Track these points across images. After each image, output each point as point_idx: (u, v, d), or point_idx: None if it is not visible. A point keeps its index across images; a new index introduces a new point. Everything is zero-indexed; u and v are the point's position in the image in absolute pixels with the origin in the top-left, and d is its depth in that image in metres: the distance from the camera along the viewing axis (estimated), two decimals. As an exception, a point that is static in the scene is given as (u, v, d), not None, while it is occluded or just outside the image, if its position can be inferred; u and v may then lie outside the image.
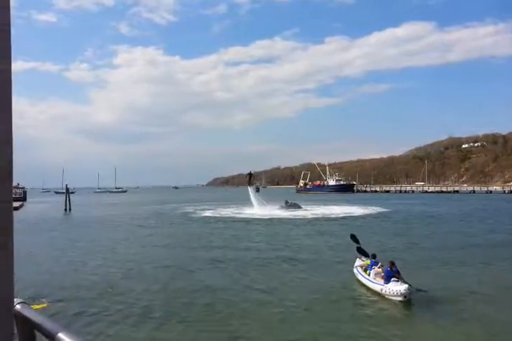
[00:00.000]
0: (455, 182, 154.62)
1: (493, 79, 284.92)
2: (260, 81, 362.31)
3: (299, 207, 47.31)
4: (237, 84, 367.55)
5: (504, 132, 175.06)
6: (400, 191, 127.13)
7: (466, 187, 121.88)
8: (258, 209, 45.02)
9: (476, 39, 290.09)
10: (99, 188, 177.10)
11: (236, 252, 19.82)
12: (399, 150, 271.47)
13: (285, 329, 9.57)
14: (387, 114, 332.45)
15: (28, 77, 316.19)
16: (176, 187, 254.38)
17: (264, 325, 9.89)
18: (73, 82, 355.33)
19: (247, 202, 49.66)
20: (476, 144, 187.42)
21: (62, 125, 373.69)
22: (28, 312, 1.35)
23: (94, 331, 9.35)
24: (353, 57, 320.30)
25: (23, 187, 76.93)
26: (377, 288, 12.09)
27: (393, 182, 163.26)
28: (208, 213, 44.72)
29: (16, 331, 1.26)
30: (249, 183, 49.57)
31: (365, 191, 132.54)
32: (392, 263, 12.14)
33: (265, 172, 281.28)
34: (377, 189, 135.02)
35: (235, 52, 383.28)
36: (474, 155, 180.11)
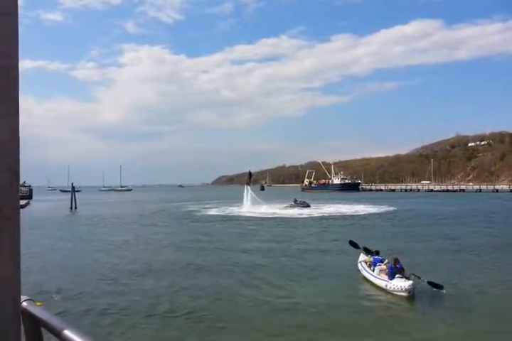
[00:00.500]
0: (461, 181, 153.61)
1: (501, 77, 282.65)
2: (266, 79, 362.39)
3: (308, 206, 47.39)
4: (243, 83, 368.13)
5: (511, 131, 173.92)
6: (406, 190, 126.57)
7: (472, 186, 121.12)
8: (248, 207, 45.47)
9: (485, 36, 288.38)
10: (104, 187, 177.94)
11: (242, 250, 19.75)
12: (405, 148, 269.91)
13: (292, 322, 9.77)
14: (393, 112, 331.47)
15: (35, 75, 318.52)
16: (181, 186, 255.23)
17: (271, 318, 10.11)
18: (80, 80, 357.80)
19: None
20: (482, 143, 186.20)
21: (68, 123, 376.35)
22: (34, 310, 1.36)
23: (101, 328, 9.33)
24: (359, 55, 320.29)
25: (29, 186, 77.40)
26: (382, 284, 12.39)
27: (399, 181, 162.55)
28: (212, 211, 44.74)
29: (22, 328, 1.27)
30: (248, 183, 49.85)
31: (371, 190, 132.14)
32: (396, 260, 12.49)
33: (270, 170, 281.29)
34: (383, 188, 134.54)
35: (240, 50, 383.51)
36: (481, 154, 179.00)
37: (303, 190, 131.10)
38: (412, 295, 11.51)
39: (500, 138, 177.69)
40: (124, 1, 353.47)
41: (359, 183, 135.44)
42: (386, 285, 12.08)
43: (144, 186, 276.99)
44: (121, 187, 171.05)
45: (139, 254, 18.98)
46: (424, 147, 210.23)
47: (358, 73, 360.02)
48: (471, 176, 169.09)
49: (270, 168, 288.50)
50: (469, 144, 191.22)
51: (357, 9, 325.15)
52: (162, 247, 21.22)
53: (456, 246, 20.47)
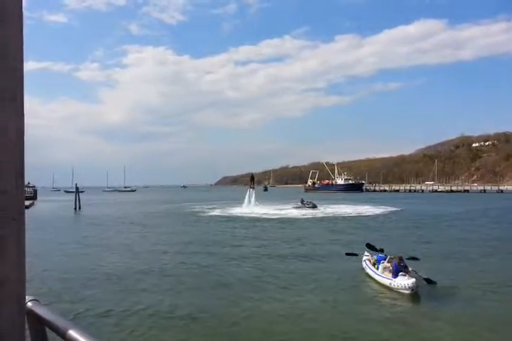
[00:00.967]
0: (465, 182, 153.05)
1: (505, 76, 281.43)
2: (270, 80, 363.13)
3: (315, 207, 47.32)
4: (247, 83, 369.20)
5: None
6: (410, 190, 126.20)
7: (476, 187, 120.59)
8: (245, 208, 45.76)
9: (488, 36, 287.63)
10: (108, 187, 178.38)
11: (247, 250, 19.74)
12: (409, 149, 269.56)
13: (298, 320, 9.94)
14: (397, 112, 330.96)
15: (39, 76, 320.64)
16: (185, 186, 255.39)
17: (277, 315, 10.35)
18: (84, 81, 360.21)
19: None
20: (487, 143, 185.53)
21: (72, 124, 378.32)
22: (39, 310, 1.36)
23: (106, 328, 9.35)
24: (363, 55, 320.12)
25: (33, 186, 77.79)
26: (385, 282, 12.64)
27: (403, 182, 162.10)
28: (216, 212, 44.77)
29: (27, 328, 1.27)
30: (252, 186, 49.93)
31: (374, 190, 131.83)
32: (401, 259, 12.76)
33: (273, 171, 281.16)
34: (387, 188, 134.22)
35: (244, 51, 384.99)
36: (485, 154, 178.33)
37: (306, 190, 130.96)
38: (415, 292, 11.76)
39: (505, 138, 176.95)
40: (127, 2, 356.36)
41: (363, 184, 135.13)
42: (390, 284, 12.35)
43: (147, 187, 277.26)
44: (125, 187, 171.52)
45: (143, 255, 18.98)
46: (428, 147, 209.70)
47: (362, 73, 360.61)
48: (476, 177, 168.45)
49: (273, 168, 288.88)
50: (474, 144, 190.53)
51: (360, 9, 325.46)
52: (164, 248, 21.22)
53: (465, 247, 20.42)
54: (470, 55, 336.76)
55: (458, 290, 12.36)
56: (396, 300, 11.56)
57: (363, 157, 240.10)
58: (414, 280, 11.87)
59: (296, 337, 9.09)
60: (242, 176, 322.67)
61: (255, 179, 55.26)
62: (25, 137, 1.16)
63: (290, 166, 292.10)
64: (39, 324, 1.35)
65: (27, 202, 48.53)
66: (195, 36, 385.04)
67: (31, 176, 74.58)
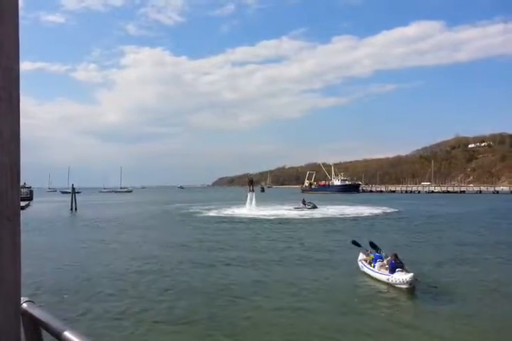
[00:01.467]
0: (461, 183, 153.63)
1: (501, 78, 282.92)
2: (267, 81, 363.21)
3: (315, 207, 47.46)
4: (244, 84, 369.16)
5: (511, 132, 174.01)
6: (406, 191, 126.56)
7: (472, 188, 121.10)
8: (246, 210, 45.92)
9: (485, 38, 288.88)
10: (104, 188, 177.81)
11: (244, 251, 19.71)
12: (405, 150, 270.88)
13: (300, 317, 10.19)
14: (393, 113, 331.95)
15: (36, 77, 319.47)
16: (182, 187, 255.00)
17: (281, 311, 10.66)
18: (81, 82, 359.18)
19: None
20: (482, 144, 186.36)
21: (69, 125, 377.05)
22: (34, 311, 1.36)
23: (100, 329, 9.32)
24: (360, 56, 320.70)
25: (29, 187, 77.43)
26: (383, 278, 13.15)
27: (399, 183, 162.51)
28: (212, 213, 44.73)
29: (22, 329, 1.27)
30: (251, 190, 49.93)
31: (371, 191, 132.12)
32: (396, 256, 13.21)
33: (270, 172, 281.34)
34: (383, 189, 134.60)
35: (242, 52, 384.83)
36: (481, 155, 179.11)
37: (303, 191, 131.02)
38: (412, 286, 12.28)
39: (501, 139, 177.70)
40: (125, 2, 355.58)
41: (359, 184, 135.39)
42: (388, 279, 12.82)
43: (144, 187, 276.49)
44: (122, 188, 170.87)
45: (139, 257, 18.92)
46: (425, 148, 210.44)
47: (359, 75, 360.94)
48: (472, 177, 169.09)
49: (270, 169, 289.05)
50: (469, 145, 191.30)
51: (358, 11, 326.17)
52: (161, 250, 21.18)
53: (462, 246, 20.65)
54: (466, 57, 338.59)
55: (455, 287, 12.65)
56: (394, 295, 12.10)
57: (359, 158, 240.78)
58: (411, 274, 12.34)
59: (299, 335, 9.15)
60: (239, 177, 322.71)
61: (252, 178, 55.23)
62: (20, 137, 1.16)
63: (287, 167, 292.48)
64: (34, 325, 1.34)
65: (23, 203, 48.33)
66: (193, 37, 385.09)
67: (27, 177, 74.30)
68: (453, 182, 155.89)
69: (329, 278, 14.08)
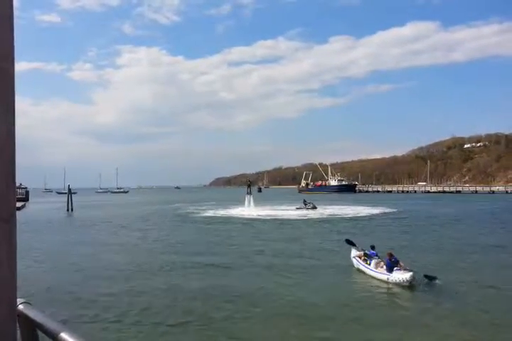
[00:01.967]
0: (457, 183, 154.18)
1: (497, 78, 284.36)
2: (264, 81, 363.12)
3: (315, 208, 47.62)
4: (241, 85, 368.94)
5: (507, 132, 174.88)
6: (402, 191, 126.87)
7: (468, 188, 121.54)
8: (244, 210, 46.08)
9: (480, 38, 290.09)
10: (100, 188, 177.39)
11: (242, 251, 19.66)
12: (401, 150, 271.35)
13: (306, 315, 10.33)
14: (390, 113, 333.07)
15: (31, 77, 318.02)
16: (178, 188, 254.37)
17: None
18: (77, 82, 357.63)
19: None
20: (478, 144, 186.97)
21: (64, 125, 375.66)
22: (31, 312, 1.36)
23: (97, 331, 9.27)
24: (356, 56, 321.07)
25: (25, 188, 77.02)
26: (383, 277, 13.26)
27: (395, 183, 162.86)
28: (210, 213, 44.69)
29: (19, 331, 1.27)
30: (248, 192, 50.25)
31: (367, 191, 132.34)
32: (391, 254, 13.41)
33: (267, 172, 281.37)
34: (379, 189, 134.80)
35: (238, 52, 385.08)
36: (477, 156, 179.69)
37: (300, 191, 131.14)
38: (412, 285, 12.52)
39: (496, 139, 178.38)
40: (121, 2, 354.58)
41: (356, 185, 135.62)
42: (388, 279, 12.95)
43: (140, 188, 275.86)
44: (118, 189, 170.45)
45: (134, 256, 18.87)
46: (421, 148, 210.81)
47: (355, 75, 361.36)
48: (467, 177, 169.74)
49: (267, 169, 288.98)
50: (465, 146, 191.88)
51: (354, 11, 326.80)
52: (157, 249, 21.13)
53: (461, 245, 20.83)
54: (462, 57, 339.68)
55: (454, 285, 12.87)
56: (395, 293, 12.43)
57: (356, 158, 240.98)
58: (411, 273, 12.51)
59: (306, 331, 9.24)
60: (236, 177, 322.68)
61: (250, 181, 55.81)
62: (16, 138, 1.15)
63: (284, 167, 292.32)
64: (30, 326, 1.34)
65: (18, 204, 48.02)
66: (190, 37, 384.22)
67: (23, 177, 73.98)
68: (449, 182, 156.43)
69: (328, 277, 14.22)
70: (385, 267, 13.46)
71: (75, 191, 61.11)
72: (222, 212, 45.09)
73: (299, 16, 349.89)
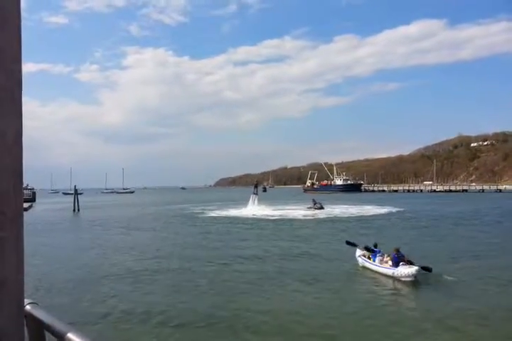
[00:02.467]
0: (464, 181, 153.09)
1: (504, 76, 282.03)
2: (269, 81, 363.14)
3: (322, 208, 47.44)
4: (246, 84, 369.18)
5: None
6: (408, 190, 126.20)
7: (475, 186, 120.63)
8: (249, 210, 46.24)
9: (488, 36, 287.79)
10: (106, 189, 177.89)
11: (250, 250, 19.60)
12: (407, 149, 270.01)
13: (319, 311, 10.60)
14: (395, 112, 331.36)
15: (38, 78, 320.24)
16: (184, 188, 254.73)
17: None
18: (83, 83, 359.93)
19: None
20: (485, 143, 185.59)
21: (71, 126, 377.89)
22: (38, 313, 1.37)
23: (106, 330, 9.22)
24: (362, 55, 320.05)
25: (32, 188, 77.57)
26: (388, 272, 13.71)
27: (401, 182, 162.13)
28: (216, 213, 44.68)
29: (26, 331, 1.28)
30: (254, 192, 50.96)
31: (373, 191, 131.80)
32: (397, 250, 13.93)
33: (272, 171, 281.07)
34: (385, 188, 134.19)
35: (244, 51, 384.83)
36: (484, 154, 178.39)
37: (305, 191, 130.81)
38: (417, 279, 12.97)
39: (504, 138, 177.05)
40: (127, 3, 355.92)
41: (361, 184, 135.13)
42: (393, 273, 13.38)
43: (145, 188, 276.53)
44: (124, 189, 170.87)
45: (143, 257, 18.80)
46: (427, 147, 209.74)
47: (361, 74, 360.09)
48: (474, 176, 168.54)
49: (272, 169, 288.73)
50: (472, 144, 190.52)
51: (360, 10, 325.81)
52: (167, 250, 21.07)
53: (470, 244, 20.80)
54: (469, 55, 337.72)
55: (461, 281, 13.19)
56: (400, 287, 12.85)
57: (361, 157, 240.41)
58: (416, 268, 12.97)
59: (315, 326, 9.33)
60: (241, 177, 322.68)
61: (257, 181, 56.53)
62: (23, 139, 1.16)
63: (289, 167, 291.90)
64: (38, 327, 1.34)
65: (25, 205, 48.15)
66: (195, 37, 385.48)
67: (30, 178, 74.42)
68: (455, 181, 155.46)
69: (338, 275, 14.52)
70: (390, 262, 13.93)
71: (81, 191, 61.56)
72: (229, 212, 45.01)
73: (304, 15, 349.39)
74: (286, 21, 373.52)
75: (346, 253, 17.52)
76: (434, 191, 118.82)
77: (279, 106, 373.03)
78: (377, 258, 14.56)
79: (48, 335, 1.33)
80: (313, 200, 49.58)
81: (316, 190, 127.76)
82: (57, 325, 1.29)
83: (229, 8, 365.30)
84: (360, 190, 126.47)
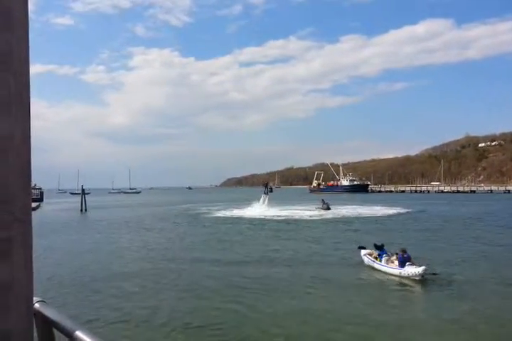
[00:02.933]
0: (472, 182, 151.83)
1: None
2: (275, 81, 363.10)
3: (329, 209, 47.22)
4: (252, 85, 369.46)
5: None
6: (415, 191, 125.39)
7: (483, 187, 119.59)
8: (258, 210, 46.34)
9: (495, 35, 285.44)
10: (113, 189, 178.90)
11: (259, 250, 19.50)
12: (414, 149, 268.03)
13: (325, 306, 10.83)
14: (402, 112, 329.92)
15: (45, 79, 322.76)
16: (190, 188, 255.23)
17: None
18: (90, 84, 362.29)
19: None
20: (493, 143, 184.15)
21: (78, 127, 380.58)
22: (47, 311, 1.38)
23: (115, 330, 9.20)
24: (368, 55, 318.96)
25: (39, 188, 78.02)
26: (395, 271, 13.92)
27: (408, 182, 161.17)
28: (224, 213, 44.66)
29: (35, 329, 1.29)
30: (265, 192, 51.91)
31: (380, 191, 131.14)
32: (404, 251, 14.10)
33: (278, 172, 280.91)
34: (392, 189, 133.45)
35: (249, 52, 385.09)
36: (492, 155, 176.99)
37: (311, 191, 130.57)
38: (424, 278, 13.13)
39: (511, 138, 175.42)
40: (133, 4, 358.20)
41: (368, 185, 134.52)
42: (400, 273, 13.62)
43: (152, 188, 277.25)
44: (131, 189, 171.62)
45: (151, 258, 18.78)
46: (434, 148, 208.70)
47: (367, 74, 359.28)
48: (482, 177, 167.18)
49: (278, 169, 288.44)
50: (480, 145, 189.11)
51: (366, 10, 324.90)
52: (173, 251, 21.06)
53: (480, 245, 20.66)
54: (476, 55, 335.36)
55: (469, 281, 13.20)
56: (408, 286, 13.06)
57: (368, 158, 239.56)
58: (423, 267, 13.13)
59: (324, 324, 9.28)
60: (247, 177, 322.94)
61: (267, 182, 57.58)
62: (31, 139, 1.17)
63: (295, 167, 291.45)
64: (47, 325, 1.36)
65: (33, 204, 48.46)
66: (201, 38, 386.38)
67: (37, 178, 74.82)
68: (463, 182, 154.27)
69: (343, 274, 14.73)
70: (396, 262, 14.08)
71: (88, 191, 61.73)
72: (237, 212, 44.95)
73: (309, 16, 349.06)
74: (292, 22, 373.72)
75: (353, 253, 17.44)
76: (442, 192, 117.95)
77: (284, 107, 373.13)
78: (384, 258, 14.81)
79: (56, 333, 1.34)
80: (323, 200, 49.37)
81: (322, 190, 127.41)
82: (66, 323, 1.30)
83: (234, 9, 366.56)
84: (367, 191, 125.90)
